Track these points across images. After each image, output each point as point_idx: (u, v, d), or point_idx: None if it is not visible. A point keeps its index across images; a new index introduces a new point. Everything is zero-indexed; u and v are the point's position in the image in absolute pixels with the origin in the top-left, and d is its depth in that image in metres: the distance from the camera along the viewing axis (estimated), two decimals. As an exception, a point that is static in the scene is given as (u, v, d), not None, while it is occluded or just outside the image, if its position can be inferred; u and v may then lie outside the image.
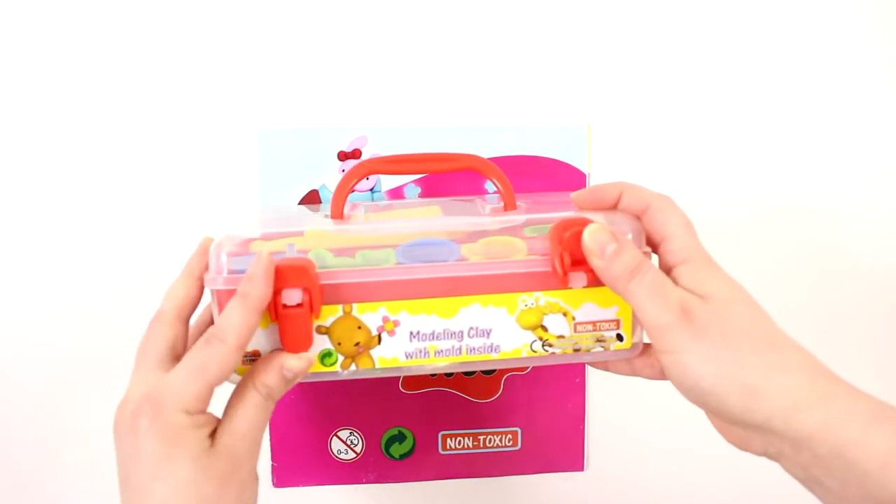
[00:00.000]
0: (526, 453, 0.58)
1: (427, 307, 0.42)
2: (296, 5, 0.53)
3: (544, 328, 0.43)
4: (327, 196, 0.54)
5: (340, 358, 0.43)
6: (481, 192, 0.55)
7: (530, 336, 0.44)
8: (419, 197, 0.55)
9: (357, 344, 0.43)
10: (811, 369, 0.35)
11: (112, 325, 0.55)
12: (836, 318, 0.59)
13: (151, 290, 0.55)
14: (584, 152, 0.56)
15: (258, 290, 0.39)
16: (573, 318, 0.43)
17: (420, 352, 0.43)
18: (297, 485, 0.57)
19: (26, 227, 0.54)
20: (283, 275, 0.40)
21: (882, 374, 0.59)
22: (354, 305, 0.42)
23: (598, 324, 0.44)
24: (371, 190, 0.55)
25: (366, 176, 0.46)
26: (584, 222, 0.41)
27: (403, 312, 0.42)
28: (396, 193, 0.55)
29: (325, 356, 0.43)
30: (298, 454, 0.57)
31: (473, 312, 0.43)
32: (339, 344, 0.43)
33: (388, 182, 0.55)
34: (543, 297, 0.43)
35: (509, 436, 0.58)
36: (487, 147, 0.55)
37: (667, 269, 0.40)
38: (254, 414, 0.40)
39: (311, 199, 0.54)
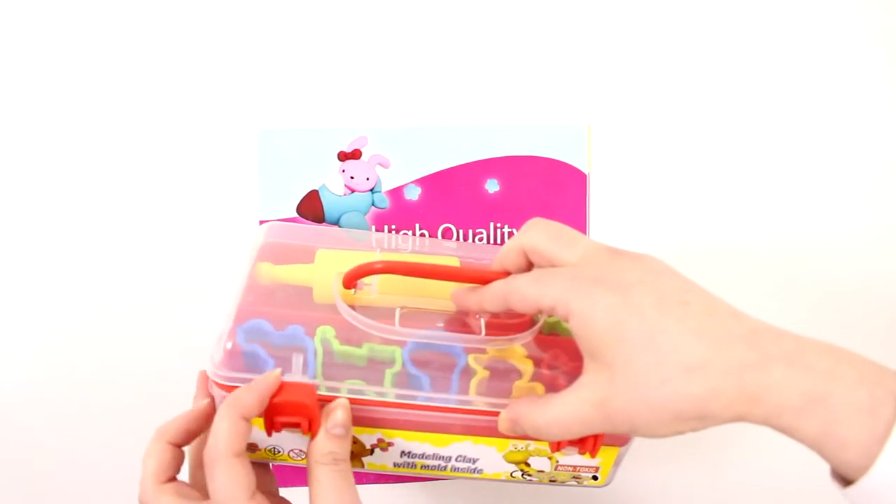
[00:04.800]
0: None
1: (422, 437, 0.43)
2: (296, 5, 0.53)
3: (527, 464, 0.45)
4: (328, 197, 0.54)
5: None
6: (481, 192, 0.55)
7: (513, 467, 0.46)
8: (419, 197, 0.55)
9: (350, 452, 0.43)
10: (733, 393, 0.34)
11: (110, 325, 0.55)
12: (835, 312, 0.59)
13: (150, 289, 0.55)
14: (584, 152, 0.56)
15: (250, 405, 0.38)
16: (556, 461, 0.45)
17: (408, 464, 0.45)
18: (298, 485, 0.57)
19: (23, 225, 0.54)
20: (283, 407, 0.39)
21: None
22: (352, 427, 0.42)
23: (578, 468, 0.45)
24: (371, 190, 0.55)
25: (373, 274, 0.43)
26: None
27: (399, 439, 0.43)
28: (397, 193, 0.55)
29: None
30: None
31: (465, 446, 0.44)
32: None
33: (389, 182, 0.55)
34: (534, 444, 0.44)
35: (510, 436, 0.58)
36: (487, 147, 0.55)
37: None
38: (332, 488, 0.39)
39: (311, 199, 0.54)
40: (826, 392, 0.33)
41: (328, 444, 0.40)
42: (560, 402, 0.37)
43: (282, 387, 0.39)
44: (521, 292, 0.38)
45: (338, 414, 0.40)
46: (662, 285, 0.36)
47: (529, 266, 0.41)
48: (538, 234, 0.40)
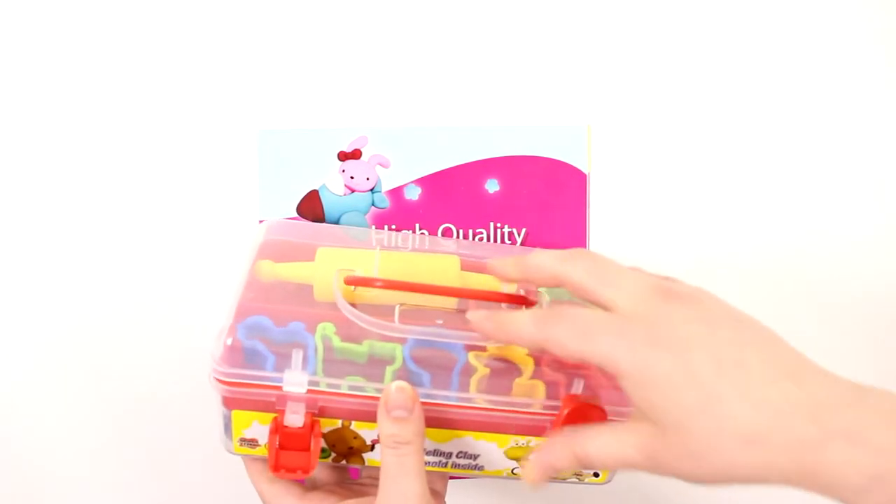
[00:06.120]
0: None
1: None
2: (296, 5, 0.53)
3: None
4: (328, 197, 0.54)
5: (332, 454, 0.44)
6: (481, 192, 0.55)
7: (514, 464, 0.45)
8: (419, 197, 0.55)
9: (350, 448, 0.44)
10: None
11: (110, 324, 0.55)
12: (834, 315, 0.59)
13: (150, 288, 0.55)
14: (584, 152, 0.56)
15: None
16: None
17: None
18: (297, 485, 0.57)
19: (22, 226, 0.54)
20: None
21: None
22: (353, 421, 0.42)
23: None
24: (371, 190, 0.55)
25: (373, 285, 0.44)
26: (590, 412, 0.41)
27: None
28: (397, 193, 0.55)
29: None
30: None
31: (465, 442, 0.44)
32: (333, 446, 0.43)
33: (389, 182, 0.55)
34: (535, 440, 0.44)
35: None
36: (487, 147, 0.55)
37: None
38: (388, 474, 0.39)
39: (311, 199, 0.54)
40: (887, 471, 0.32)
41: (388, 425, 0.39)
42: (603, 439, 0.37)
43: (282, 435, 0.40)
44: (562, 345, 0.36)
45: (394, 396, 0.39)
46: (718, 341, 0.35)
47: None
48: (579, 269, 0.38)
